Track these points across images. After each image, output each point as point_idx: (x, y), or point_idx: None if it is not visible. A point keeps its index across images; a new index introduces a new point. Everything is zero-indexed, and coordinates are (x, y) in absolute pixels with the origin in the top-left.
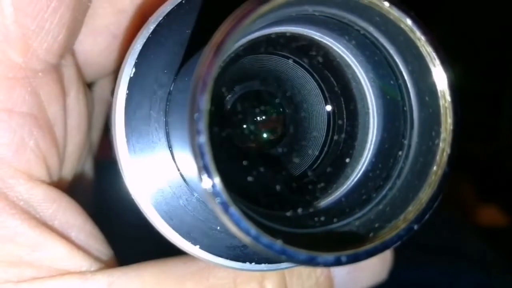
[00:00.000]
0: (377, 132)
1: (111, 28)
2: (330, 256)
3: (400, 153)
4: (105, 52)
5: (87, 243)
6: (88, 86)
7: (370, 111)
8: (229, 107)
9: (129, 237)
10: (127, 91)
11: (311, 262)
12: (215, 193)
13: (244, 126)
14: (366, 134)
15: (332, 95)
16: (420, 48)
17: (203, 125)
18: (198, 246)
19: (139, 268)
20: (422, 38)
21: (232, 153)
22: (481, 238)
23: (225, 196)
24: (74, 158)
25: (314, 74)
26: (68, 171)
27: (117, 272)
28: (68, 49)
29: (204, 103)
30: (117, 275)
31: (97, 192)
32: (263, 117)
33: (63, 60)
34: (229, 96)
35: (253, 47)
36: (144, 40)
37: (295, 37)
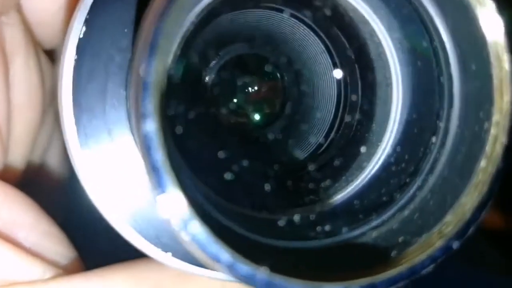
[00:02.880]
0: (402, 111)
1: None
2: None
3: (433, 139)
4: (62, 10)
5: (41, 244)
6: (50, 55)
7: (394, 82)
8: (207, 78)
9: (95, 246)
10: (76, 57)
11: None
12: (167, 203)
13: (227, 102)
14: (387, 113)
15: (343, 62)
16: None
17: (151, 106)
18: (169, 254)
19: (106, 273)
20: None
21: (205, 140)
22: (481, 239)
23: (185, 207)
24: (24, 142)
25: (320, 32)
26: (17, 158)
27: (77, 279)
28: (9, 3)
29: (152, 74)
30: (76, 282)
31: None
32: (252, 90)
33: (4, 18)
34: (211, 64)
35: (236, 4)
36: None
37: None
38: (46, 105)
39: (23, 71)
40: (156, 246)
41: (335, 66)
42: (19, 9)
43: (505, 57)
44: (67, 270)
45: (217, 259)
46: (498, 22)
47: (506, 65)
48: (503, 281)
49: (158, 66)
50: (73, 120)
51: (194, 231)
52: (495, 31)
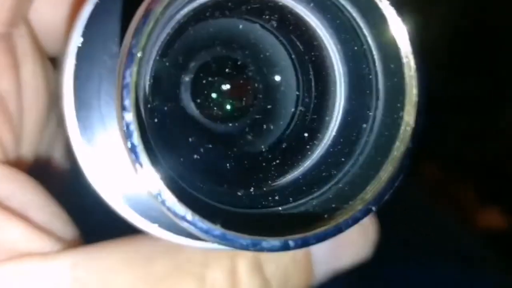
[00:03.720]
0: (343, 103)
1: None
2: (276, 241)
3: (364, 125)
4: (63, 21)
5: (49, 223)
6: (53, 62)
7: (337, 80)
8: (187, 78)
9: (94, 218)
10: (76, 62)
11: (255, 247)
12: (145, 175)
13: (200, 98)
14: (332, 106)
15: (298, 61)
16: (383, 10)
17: (129, 101)
18: (156, 225)
19: (105, 248)
20: None
21: (176, 128)
22: (482, 240)
23: (156, 178)
24: (33, 137)
25: (278, 36)
26: (27, 151)
27: (82, 252)
28: (19, 17)
29: (130, 77)
30: (81, 255)
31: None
32: (224, 88)
33: (16, 30)
34: (189, 65)
35: (203, 12)
36: (92, 7)
37: None
38: (51, 106)
39: (31, 76)
40: (145, 218)
41: (294, 66)
42: (27, 22)
43: (412, 60)
44: (72, 247)
45: (183, 218)
46: (403, 30)
47: (413, 66)
48: (503, 281)
49: (133, 71)
50: (74, 114)
51: (165, 197)
52: (405, 41)
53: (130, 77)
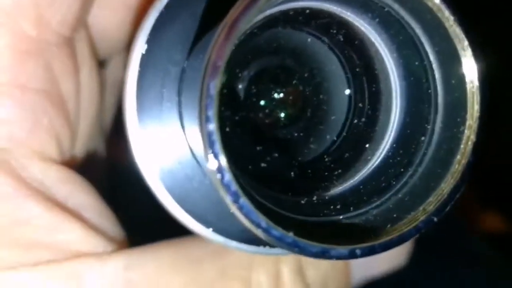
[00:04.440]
0: (399, 115)
1: (127, 1)
2: (344, 250)
3: (423, 138)
4: (121, 26)
5: (101, 224)
6: (101, 65)
7: (394, 93)
8: (244, 86)
9: (141, 219)
10: (139, 69)
11: (324, 255)
12: (225, 184)
13: (259, 106)
14: (388, 117)
15: (354, 75)
16: (448, 29)
17: (212, 112)
18: (211, 229)
19: (155, 249)
20: (451, 18)
21: (245, 137)
22: (483, 242)
23: (235, 186)
24: (85, 137)
25: (336, 51)
26: (79, 150)
27: (134, 253)
28: (81, 21)
29: (214, 89)
30: (133, 256)
31: (109, 173)
32: (280, 96)
33: (77, 34)
34: (245, 74)
35: (270, 24)
36: (157, 15)
37: (314, 13)
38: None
39: (88, 78)
40: (200, 222)
41: (348, 79)
42: (86, 26)
43: (476, 76)
44: (121, 247)
45: (258, 225)
46: (473, 54)
47: (476, 83)
48: (503, 282)
49: (217, 83)
50: (136, 119)
51: (243, 205)
52: (470, 59)
53: (215, 89)
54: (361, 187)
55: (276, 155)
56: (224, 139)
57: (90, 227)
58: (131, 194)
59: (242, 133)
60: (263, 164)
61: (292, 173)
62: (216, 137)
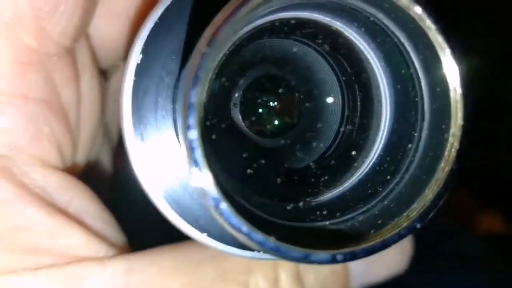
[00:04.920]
0: (388, 123)
1: (127, 11)
2: (325, 255)
3: (410, 145)
4: (121, 36)
5: (102, 229)
6: (103, 74)
7: (383, 100)
8: (236, 95)
9: (139, 224)
10: (135, 78)
11: (305, 260)
12: (206, 190)
13: (246, 114)
14: (378, 125)
15: (346, 83)
16: (431, 37)
17: (193, 120)
18: (205, 234)
19: (155, 254)
20: (433, 26)
21: (232, 144)
22: (482, 243)
23: (216, 192)
24: (87, 145)
25: (329, 59)
26: (81, 158)
27: (134, 258)
28: (82, 32)
29: (195, 97)
30: (134, 260)
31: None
32: (268, 104)
33: (77, 44)
34: (238, 82)
35: (258, 34)
36: (152, 25)
37: (302, 23)
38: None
39: (88, 88)
40: (194, 227)
41: (340, 87)
42: (87, 36)
43: (459, 84)
44: (123, 252)
45: (239, 229)
46: (455, 61)
47: (459, 90)
48: (502, 283)
49: (199, 92)
50: (132, 127)
51: (223, 210)
52: (452, 66)
53: (196, 97)
54: (348, 193)
55: (263, 161)
56: (210, 146)
57: (92, 232)
58: (129, 199)
59: (228, 140)
60: (249, 171)
61: (278, 179)
62: (197, 144)
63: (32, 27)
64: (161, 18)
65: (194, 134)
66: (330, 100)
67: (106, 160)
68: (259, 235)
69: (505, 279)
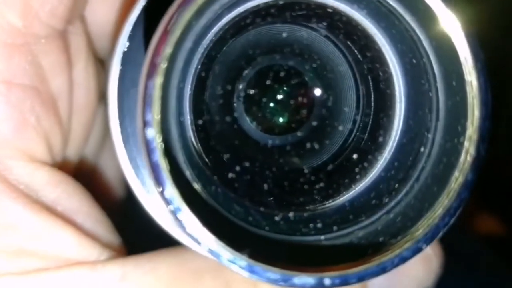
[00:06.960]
0: (402, 121)
1: None
2: (309, 278)
3: (422, 149)
4: (119, 22)
5: (95, 229)
6: (103, 64)
7: (397, 94)
8: (241, 87)
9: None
10: (121, 67)
11: (284, 283)
12: (166, 198)
13: (225, 109)
14: (391, 123)
15: (359, 72)
16: (444, 22)
17: (151, 116)
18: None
19: (154, 259)
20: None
21: (210, 143)
22: (481, 244)
23: (180, 202)
24: (79, 139)
25: (338, 44)
26: (73, 153)
27: (130, 263)
28: (76, 13)
29: (154, 88)
30: (130, 266)
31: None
32: (279, 98)
33: (71, 27)
34: (243, 73)
35: (242, 22)
36: (139, 12)
37: (300, 3)
38: (98, 109)
39: (83, 75)
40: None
41: (354, 76)
42: (83, 20)
43: (475, 77)
44: (117, 255)
45: (197, 242)
46: (467, 44)
47: (476, 84)
48: (502, 284)
49: (157, 83)
50: (117, 120)
51: (186, 222)
52: (466, 52)
53: (153, 89)
54: (348, 204)
55: (247, 164)
56: (184, 145)
57: (83, 232)
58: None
59: (205, 139)
60: (230, 175)
61: (265, 185)
62: (156, 145)
63: (17, 5)
64: (148, 2)
65: (152, 132)
66: (328, 94)
67: (106, 160)
68: (227, 251)
69: (505, 279)
